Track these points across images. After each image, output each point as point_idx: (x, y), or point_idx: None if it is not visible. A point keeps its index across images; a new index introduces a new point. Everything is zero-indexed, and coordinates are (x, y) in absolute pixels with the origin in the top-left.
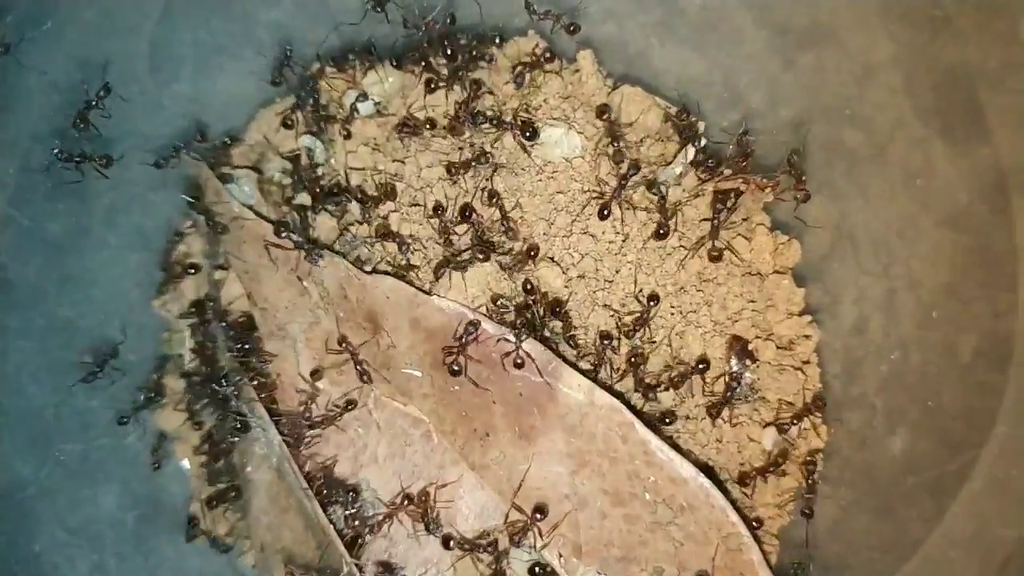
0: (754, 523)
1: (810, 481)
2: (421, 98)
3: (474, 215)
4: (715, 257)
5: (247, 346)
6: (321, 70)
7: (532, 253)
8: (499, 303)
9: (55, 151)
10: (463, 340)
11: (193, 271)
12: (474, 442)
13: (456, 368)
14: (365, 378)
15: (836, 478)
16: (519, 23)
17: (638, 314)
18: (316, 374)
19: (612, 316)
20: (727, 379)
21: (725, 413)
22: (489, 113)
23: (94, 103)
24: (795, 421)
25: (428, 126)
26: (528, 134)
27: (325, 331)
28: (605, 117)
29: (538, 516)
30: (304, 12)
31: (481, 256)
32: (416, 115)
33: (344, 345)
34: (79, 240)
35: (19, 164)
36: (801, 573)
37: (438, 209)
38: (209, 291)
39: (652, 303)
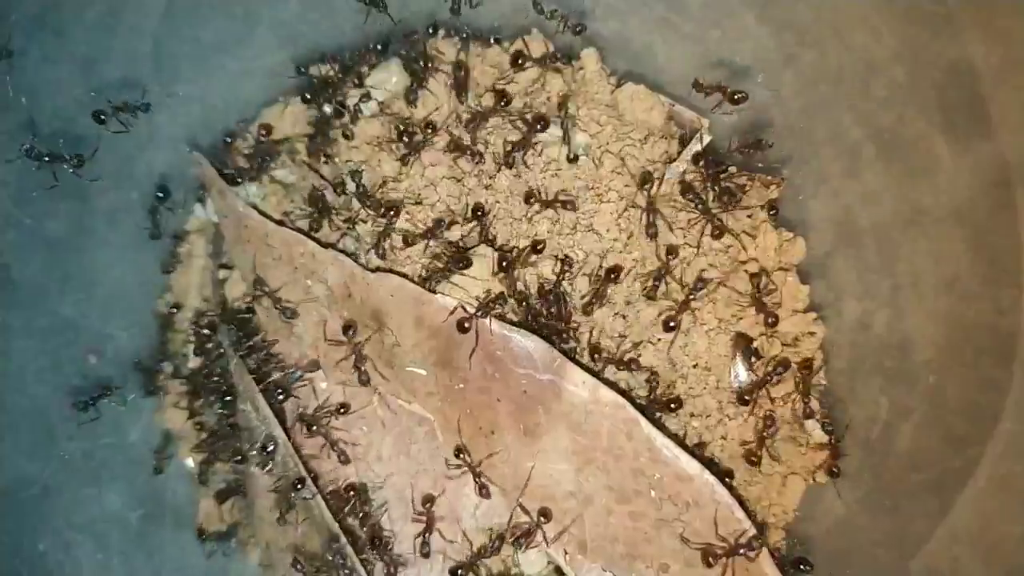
0: (727, 477)
1: (833, 439)
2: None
3: (484, 214)
4: (717, 235)
5: (251, 345)
6: (334, 75)
7: (538, 248)
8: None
9: (24, 147)
10: (489, 305)
11: (176, 310)
12: (479, 440)
13: (467, 326)
14: (484, 491)
15: (840, 474)
16: (522, 21)
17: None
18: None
19: (616, 314)
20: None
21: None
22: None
23: (132, 110)
24: (807, 400)
25: (429, 130)
26: (540, 126)
27: (330, 329)
28: (647, 187)
29: (543, 519)
30: (307, 11)
31: (461, 264)
32: (416, 124)
33: (460, 456)
34: (81, 239)
35: (21, 163)
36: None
37: (440, 223)
38: (212, 301)
39: (670, 257)
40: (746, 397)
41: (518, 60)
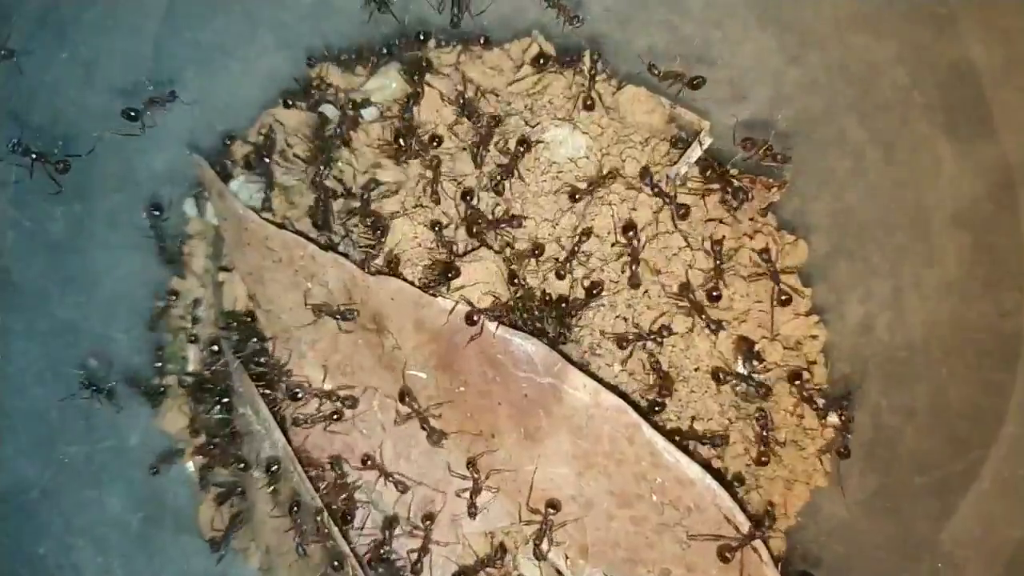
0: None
1: (843, 418)
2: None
3: (474, 199)
4: (683, 215)
5: (252, 348)
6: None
7: (536, 252)
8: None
9: (11, 144)
10: (498, 310)
11: (175, 297)
12: (479, 443)
13: (475, 319)
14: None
15: (842, 478)
16: (521, 24)
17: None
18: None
19: (617, 317)
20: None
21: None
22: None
23: (162, 103)
24: (813, 405)
25: (435, 143)
26: (522, 149)
27: (331, 333)
28: (631, 235)
29: (551, 511)
30: (308, 13)
31: (451, 275)
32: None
33: (471, 468)
34: (82, 241)
35: (22, 165)
36: None
37: (436, 225)
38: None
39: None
40: (719, 375)
41: (539, 60)
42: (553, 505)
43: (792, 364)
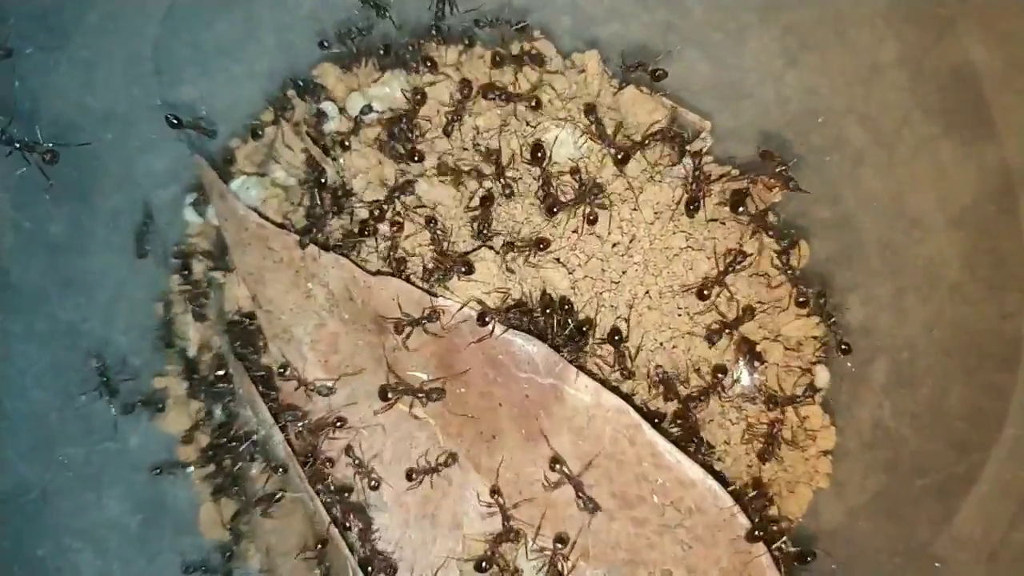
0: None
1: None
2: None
3: (491, 205)
4: (692, 210)
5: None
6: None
7: (541, 245)
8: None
9: None
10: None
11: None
12: (480, 445)
13: (488, 319)
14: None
15: (843, 480)
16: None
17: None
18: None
19: (618, 318)
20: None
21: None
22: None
23: (200, 132)
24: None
25: (416, 159)
26: (541, 155)
27: (331, 333)
28: (598, 340)
29: (559, 546)
30: (309, 15)
31: (464, 269)
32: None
33: (495, 497)
34: (82, 242)
35: (20, 165)
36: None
37: (431, 221)
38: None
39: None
40: (705, 292)
41: (523, 59)
42: (562, 540)
43: (795, 364)
